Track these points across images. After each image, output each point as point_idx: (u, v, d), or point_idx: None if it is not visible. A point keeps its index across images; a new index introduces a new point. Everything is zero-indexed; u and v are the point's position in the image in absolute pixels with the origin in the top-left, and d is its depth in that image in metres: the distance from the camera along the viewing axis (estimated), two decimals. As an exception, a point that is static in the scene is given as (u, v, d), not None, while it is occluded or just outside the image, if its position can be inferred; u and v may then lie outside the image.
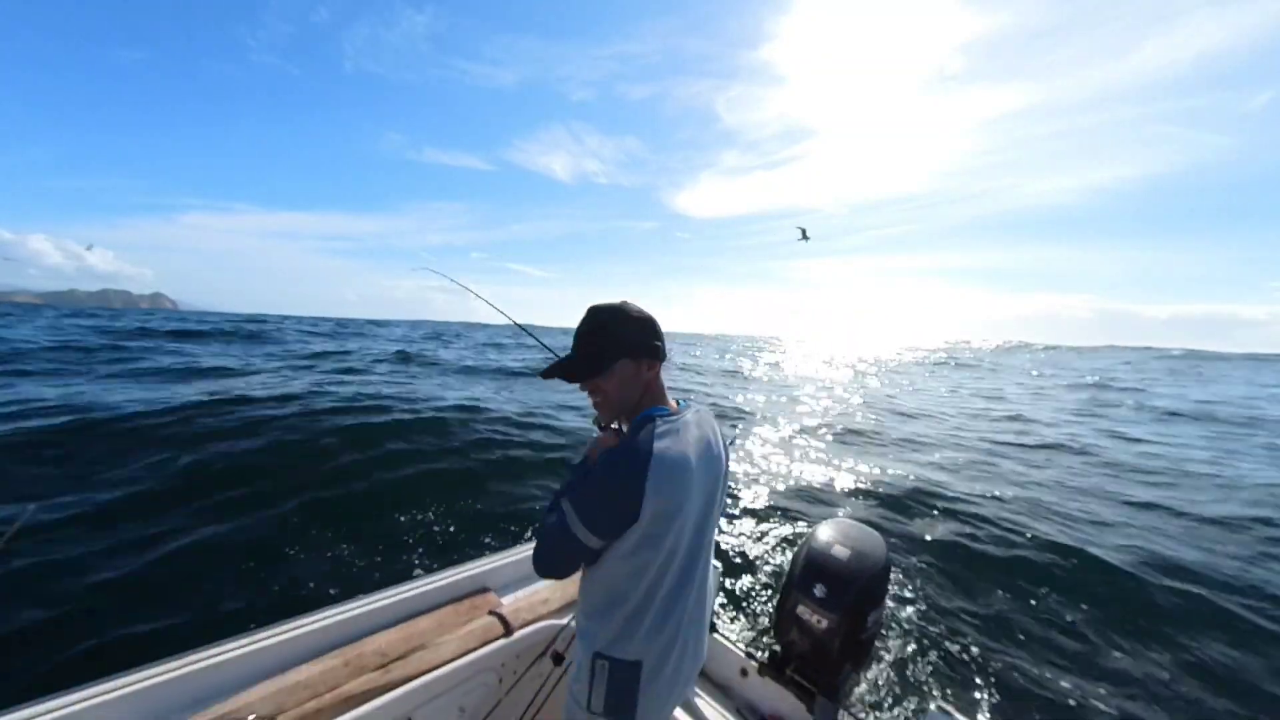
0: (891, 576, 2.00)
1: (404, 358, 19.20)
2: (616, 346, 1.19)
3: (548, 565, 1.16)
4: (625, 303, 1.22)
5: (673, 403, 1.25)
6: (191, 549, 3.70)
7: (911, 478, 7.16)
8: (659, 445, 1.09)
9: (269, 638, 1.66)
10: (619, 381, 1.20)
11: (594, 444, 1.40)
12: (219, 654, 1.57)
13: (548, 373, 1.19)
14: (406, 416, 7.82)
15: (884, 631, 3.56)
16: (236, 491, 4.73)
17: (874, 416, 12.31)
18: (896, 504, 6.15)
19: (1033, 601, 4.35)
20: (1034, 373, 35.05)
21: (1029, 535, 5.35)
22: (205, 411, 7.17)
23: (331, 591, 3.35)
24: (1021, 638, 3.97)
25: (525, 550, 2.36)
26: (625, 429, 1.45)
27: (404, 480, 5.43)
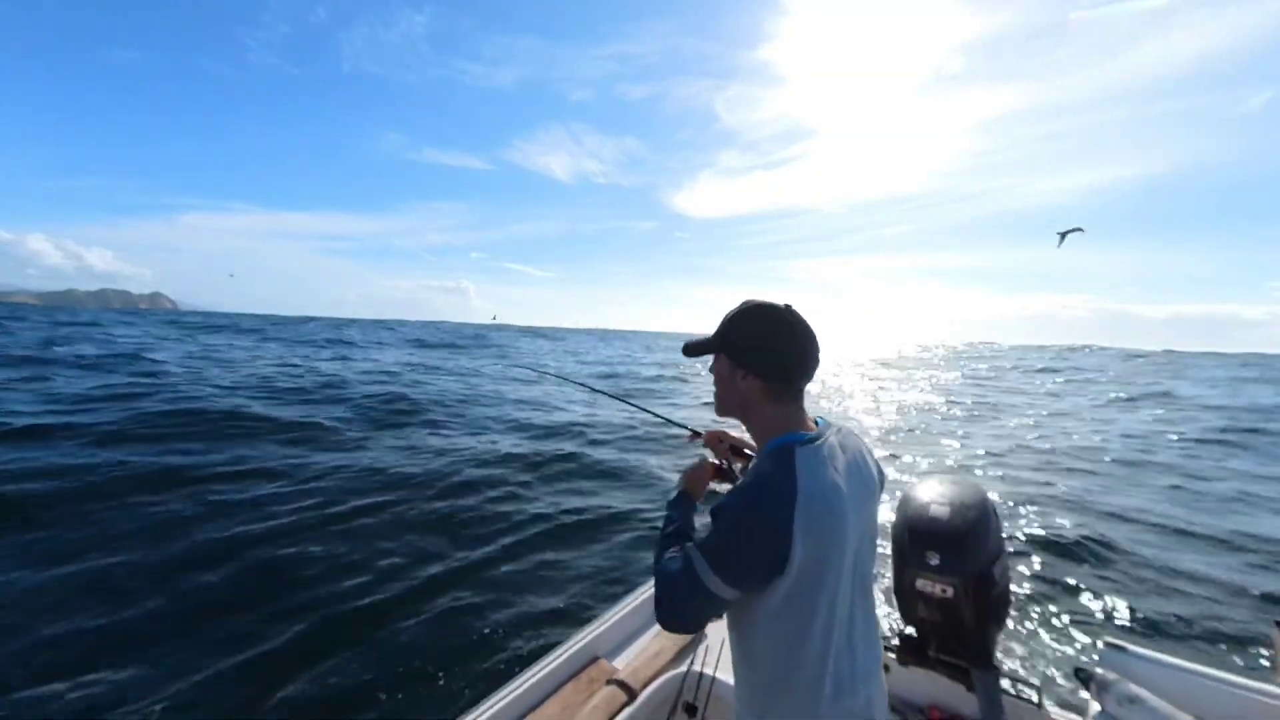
0: (1000, 518, 1.86)
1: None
2: (720, 337, 1.07)
3: (675, 620, 0.99)
4: (768, 304, 1.03)
5: (810, 423, 1.05)
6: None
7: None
8: (804, 477, 0.91)
9: None
10: (717, 377, 1.09)
11: (692, 474, 1.29)
12: None
13: (686, 347, 1.13)
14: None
15: (1014, 580, 3.31)
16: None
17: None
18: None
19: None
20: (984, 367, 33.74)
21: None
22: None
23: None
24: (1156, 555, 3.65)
25: (627, 606, 2.30)
26: (728, 459, 1.38)
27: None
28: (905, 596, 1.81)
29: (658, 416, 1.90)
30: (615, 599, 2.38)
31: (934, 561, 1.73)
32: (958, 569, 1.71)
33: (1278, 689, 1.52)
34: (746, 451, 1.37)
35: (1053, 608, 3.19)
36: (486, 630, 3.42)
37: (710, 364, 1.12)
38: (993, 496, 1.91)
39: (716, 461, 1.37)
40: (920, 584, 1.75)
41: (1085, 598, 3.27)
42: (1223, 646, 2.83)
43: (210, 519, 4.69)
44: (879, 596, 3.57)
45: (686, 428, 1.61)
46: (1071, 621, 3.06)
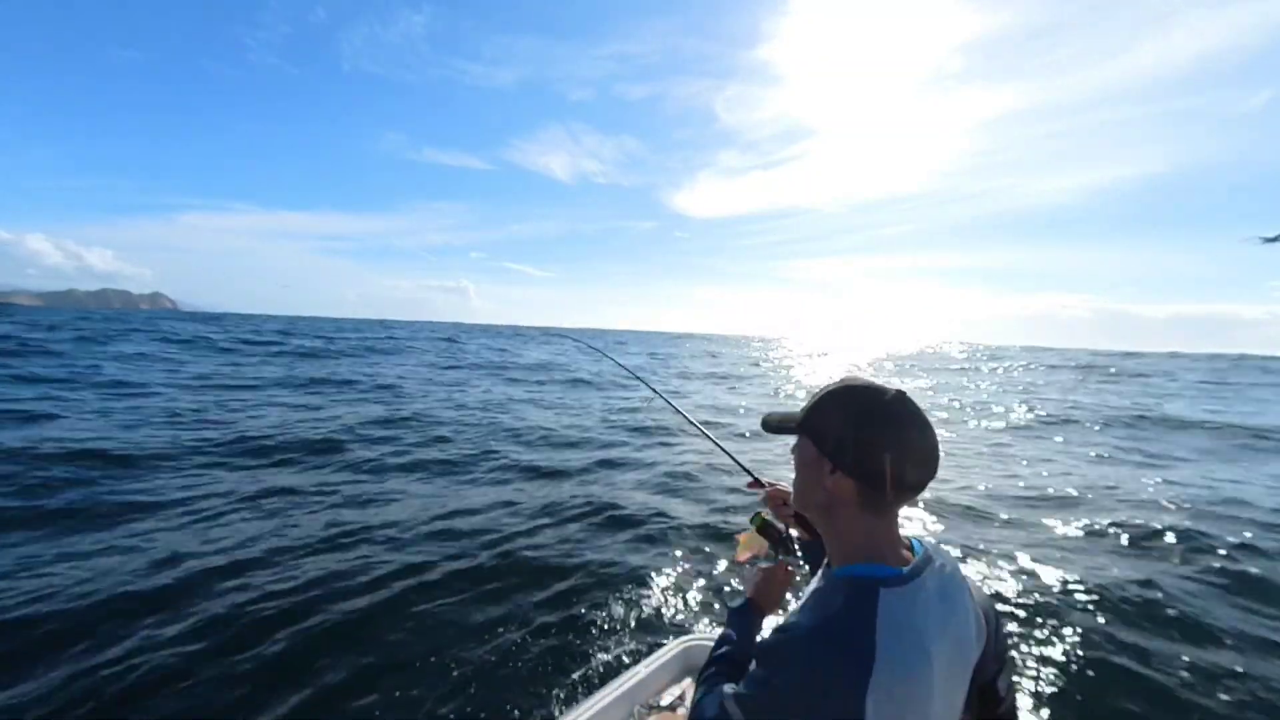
0: (1002, 623, 1.62)
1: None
2: (807, 419, 0.89)
3: None
4: (875, 387, 0.86)
5: (904, 548, 0.87)
6: None
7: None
8: (886, 634, 0.73)
9: None
10: (799, 463, 0.92)
11: (765, 580, 1.15)
12: None
13: (767, 421, 1.00)
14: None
15: (1021, 691, 3.02)
16: None
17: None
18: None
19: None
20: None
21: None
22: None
23: None
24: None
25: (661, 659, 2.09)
26: (788, 526, 1.26)
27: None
28: None
29: (723, 449, 1.75)
30: (572, 700, 2.06)
31: None
32: (961, 683, 1.47)
33: None
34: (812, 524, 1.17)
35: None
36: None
37: (792, 445, 0.95)
38: (987, 592, 1.65)
39: (779, 526, 1.27)
40: None
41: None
42: None
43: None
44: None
45: (750, 472, 1.48)
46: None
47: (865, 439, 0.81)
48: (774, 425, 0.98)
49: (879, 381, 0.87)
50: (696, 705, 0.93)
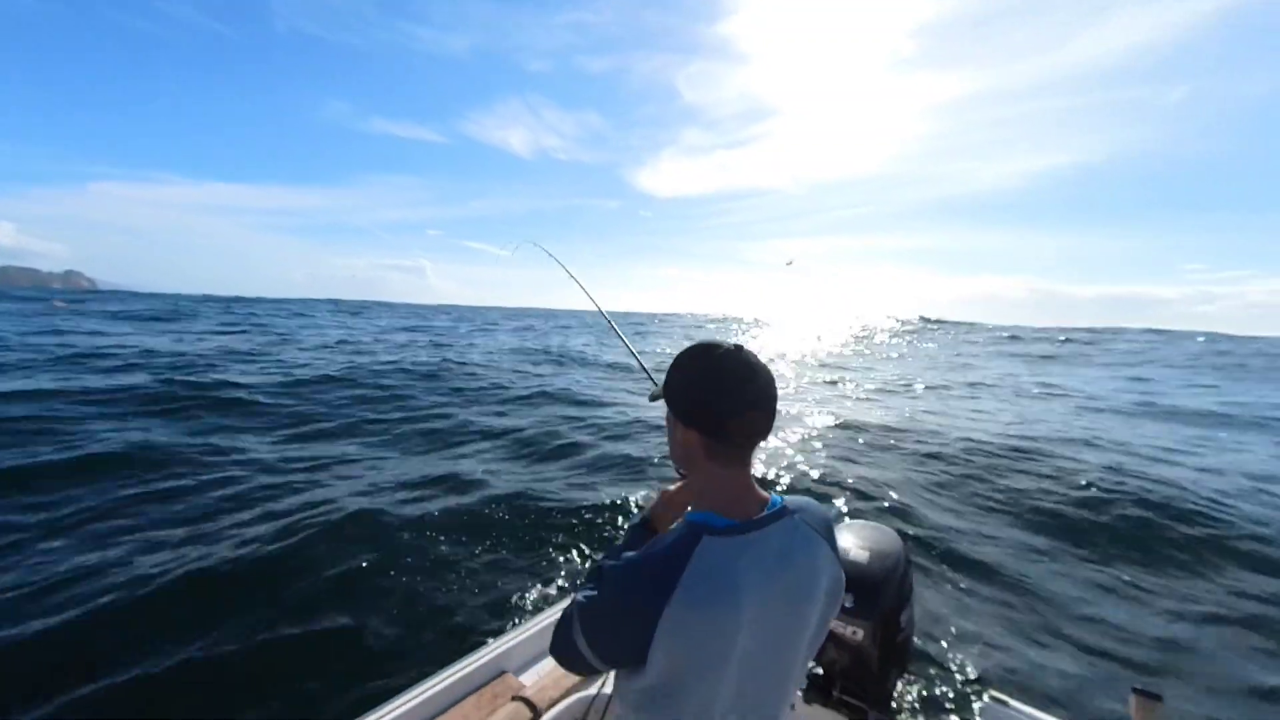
0: (912, 570, 1.96)
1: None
2: (665, 384, 0.97)
3: (557, 657, 0.96)
4: (709, 345, 0.92)
5: (755, 499, 0.92)
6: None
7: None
8: (695, 575, 0.80)
9: None
10: (672, 431, 0.96)
11: (668, 498, 1.15)
12: None
13: (653, 395, 1.10)
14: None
15: (920, 627, 3.49)
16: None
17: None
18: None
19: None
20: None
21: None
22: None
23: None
24: (1056, 601, 3.94)
25: (540, 623, 2.25)
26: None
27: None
28: None
29: (632, 353, 1.82)
30: (531, 613, 2.33)
31: (848, 604, 1.79)
32: (870, 613, 1.78)
33: None
34: None
35: (951, 653, 3.37)
36: (390, 634, 3.25)
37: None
38: (908, 546, 2.00)
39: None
40: (833, 625, 1.81)
41: (979, 647, 3.47)
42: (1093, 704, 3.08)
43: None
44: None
45: (655, 381, 1.38)
46: (966, 671, 3.24)
47: (699, 393, 0.89)
48: (653, 397, 1.10)
49: (720, 339, 0.94)
50: (576, 595, 0.97)
